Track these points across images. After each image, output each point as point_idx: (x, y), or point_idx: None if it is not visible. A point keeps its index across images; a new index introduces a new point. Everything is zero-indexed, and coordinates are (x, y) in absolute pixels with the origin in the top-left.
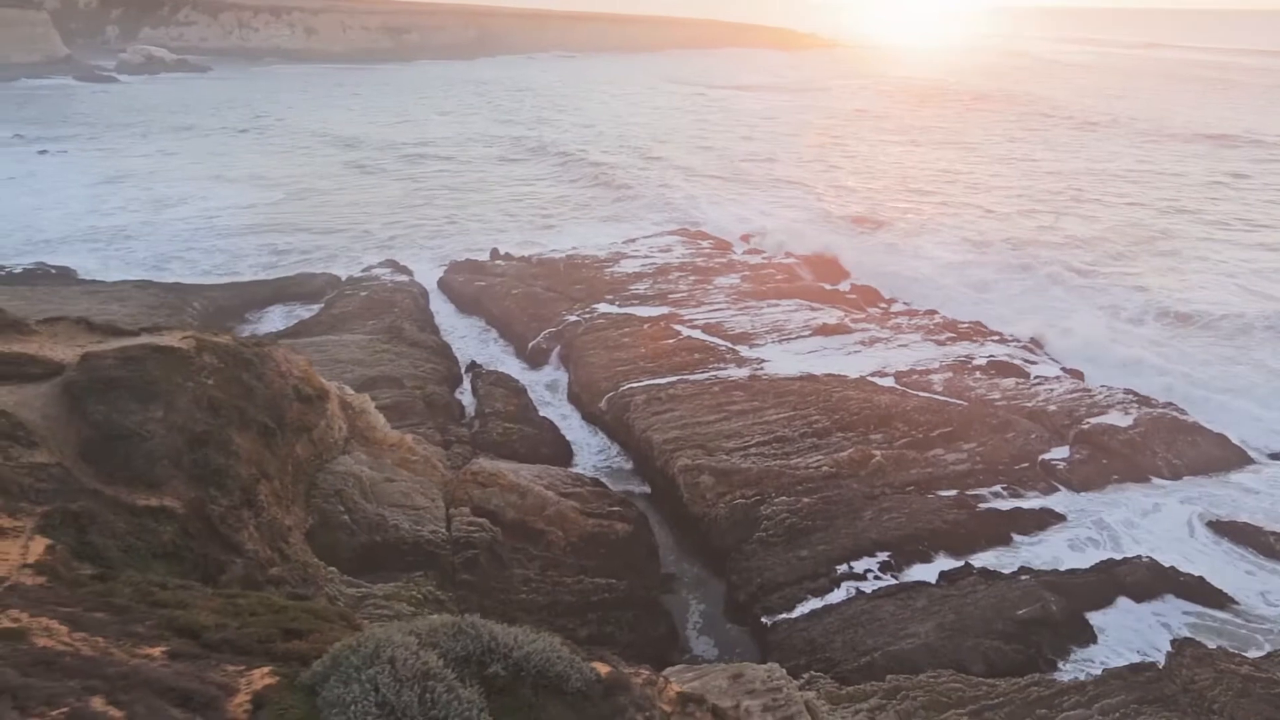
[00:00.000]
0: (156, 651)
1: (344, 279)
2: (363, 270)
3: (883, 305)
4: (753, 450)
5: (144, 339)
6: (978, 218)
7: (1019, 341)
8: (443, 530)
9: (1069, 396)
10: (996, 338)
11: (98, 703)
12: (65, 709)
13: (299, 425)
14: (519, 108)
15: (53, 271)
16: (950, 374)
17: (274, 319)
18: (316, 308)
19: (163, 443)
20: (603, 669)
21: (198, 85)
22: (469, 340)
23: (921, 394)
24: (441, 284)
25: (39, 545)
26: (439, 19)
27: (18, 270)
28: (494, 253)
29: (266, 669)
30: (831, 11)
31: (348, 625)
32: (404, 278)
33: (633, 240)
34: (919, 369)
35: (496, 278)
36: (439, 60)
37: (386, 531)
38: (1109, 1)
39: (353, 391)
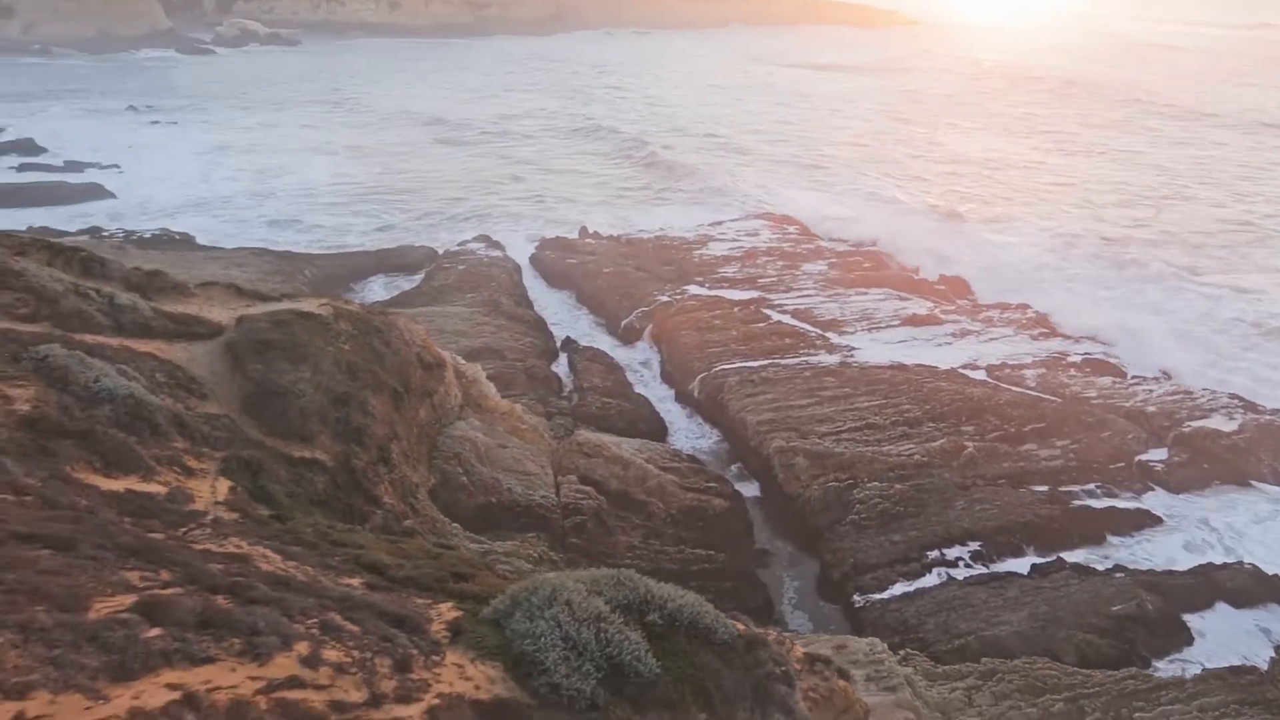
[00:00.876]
0: (356, 582)
1: (441, 252)
2: (458, 244)
3: (971, 298)
4: (845, 435)
5: (287, 304)
6: (1071, 210)
7: (1109, 341)
8: (552, 496)
9: (1169, 398)
10: (1089, 334)
11: (335, 618)
12: (316, 620)
13: (422, 390)
14: (597, 87)
15: (176, 237)
16: (1044, 370)
17: (376, 289)
18: (416, 279)
19: (311, 401)
20: (739, 626)
21: (289, 58)
22: (560, 316)
23: (1014, 388)
24: (533, 260)
25: (223, 486)
26: None
27: (147, 235)
28: (583, 231)
29: (449, 604)
30: None
31: (492, 574)
32: (498, 253)
33: (719, 223)
34: (1011, 363)
35: (587, 256)
36: (517, 35)
37: (501, 494)
38: None
39: (463, 361)
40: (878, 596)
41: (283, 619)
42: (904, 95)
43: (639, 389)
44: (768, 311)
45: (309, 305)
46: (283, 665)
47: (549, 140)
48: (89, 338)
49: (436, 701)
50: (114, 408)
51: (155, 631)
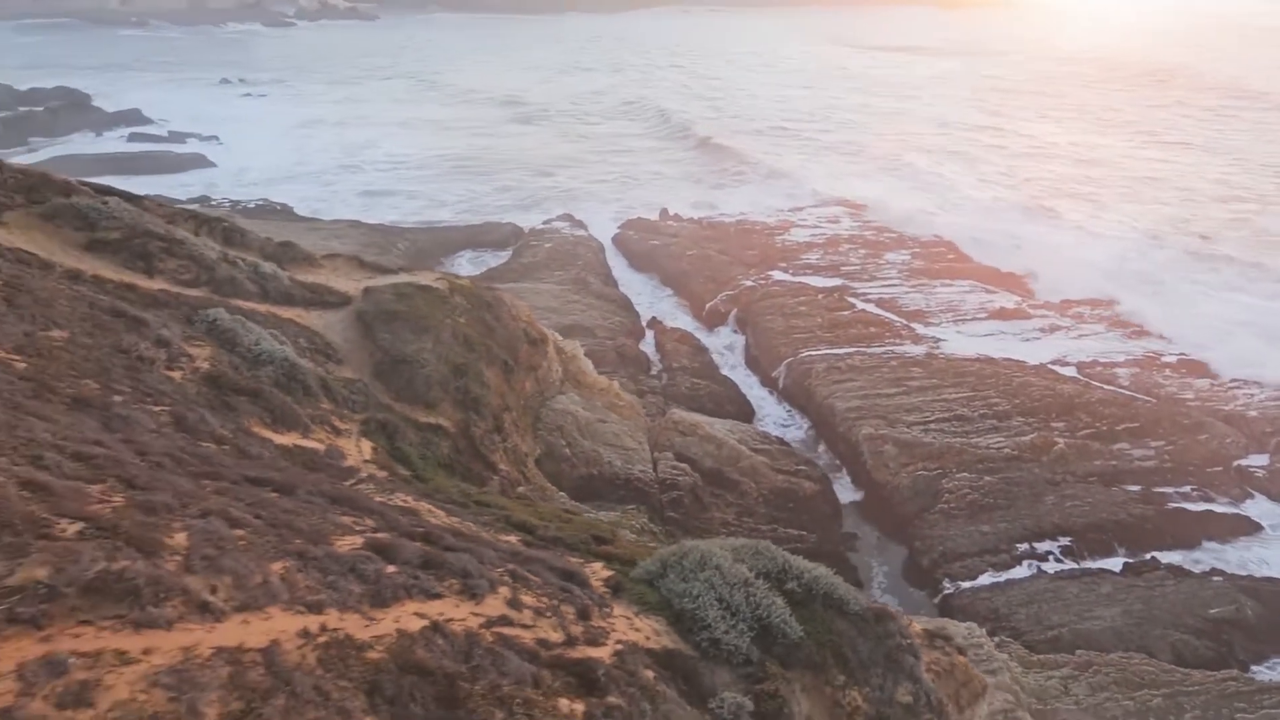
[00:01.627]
0: (514, 539)
1: (526, 230)
2: (543, 223)
3: (1057, 293)
4: (933, 425)
5: (404, 277)
6: (1165, 206)
7: (1204, 343)
8: (650, 470)
9: (1271, 403)
10: (1182, 335)
11: (517, 569)
12: (504, 569)
13: (528, 364)
14: (669, 67)
15: (277, 207)
16: (1137, 369)
17: (463, 264)
18: (503, 255)
19: (435, 370)
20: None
21: (366, 33)
22: (643, 296)
23: (1106, 387)
24: (616, 240)
25: (366, 446)
26: None
27: (251, 205)
28: (663, 212)
29: (599, 564)
30: None
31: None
32: (581, 232)
33: (799, 209)
34: (1102, 361)
35: (670, 238)
36: (590, 13)
37: (601, 466)
38: None
39: (561, 337)
40: (967, 584)
41: (483, 566)
42: (988, 81)
43: (725, 371)
44: (852, 300)
45: (425, 278)
46: (493, 605)
47: (623, 122)
48: (242, 303)
49: (619, 647)
50: (273, 369)
51: (393, 569)
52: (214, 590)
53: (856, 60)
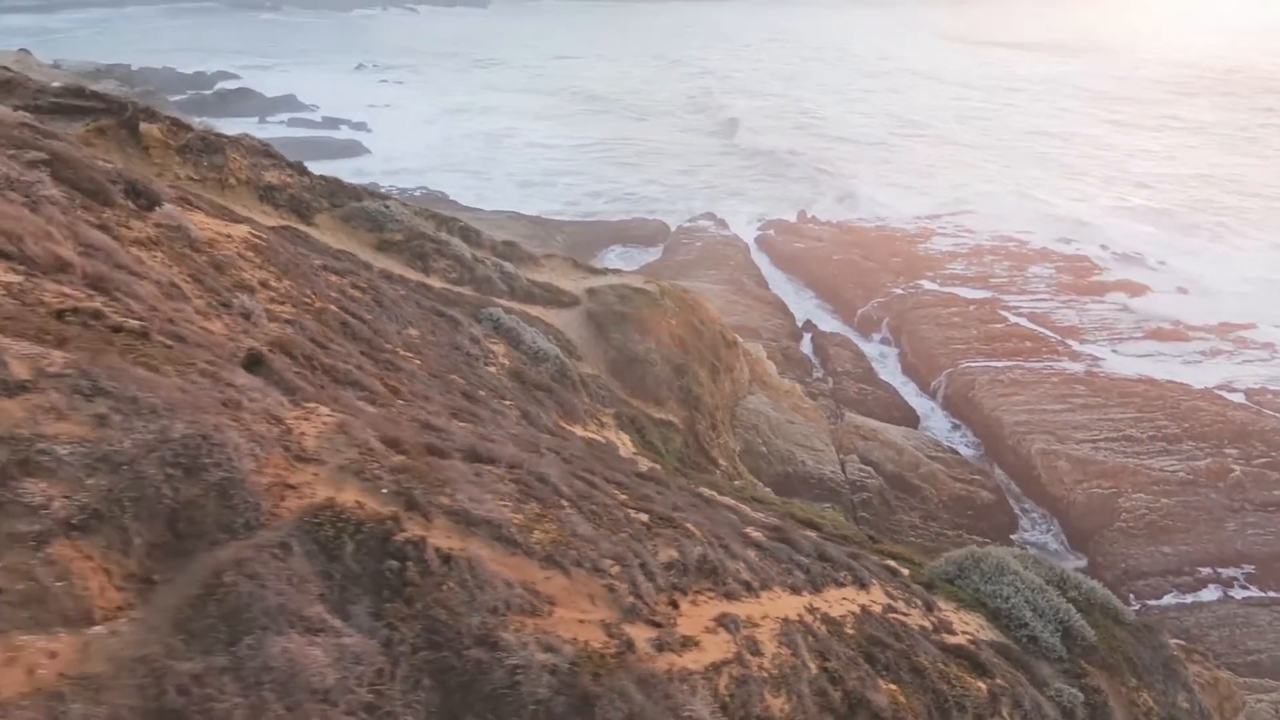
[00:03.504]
0: (813, 534)
1: (673, 228)
2: (689, 220)
3: (1215, 316)
4: (1102, 444)
5: (613, 279)
6: None
7: None
8: (839, 472)
9: None
10: None
11: (858, 564)
12: (846, 571)
13: (726, 365)
14: (779, 63)
15: (439, 196)
16: None
17: (613, 259)
18: (652, 251)
19: (661, 370)
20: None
21: (483, 19)
22: (789, 298)
23: (1278, 415)
24: (760, 241)
25: (625, 438)
26: None
27: (417, 194)
28: (801, 215)
29: (890, 560)
30: None
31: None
32: (727, 232)
33: (935, 216)
34: (1272, 388)
35: (814, 241)
36: (695, 1)
37: (795, 465)
38: None
39: (741, 340)
40: (1153, 602)
41: (852, 561)
42: (1109, 82)
43: (883, 377)
44: (1004, 313)
45: (636, 280)
46: (878, 594)
47: (751, 119)
48: (499, 301)
49: (968, 637)
50: (549, 365)
51: (804, 559)
52: (741, 572)
53: (972, 58)
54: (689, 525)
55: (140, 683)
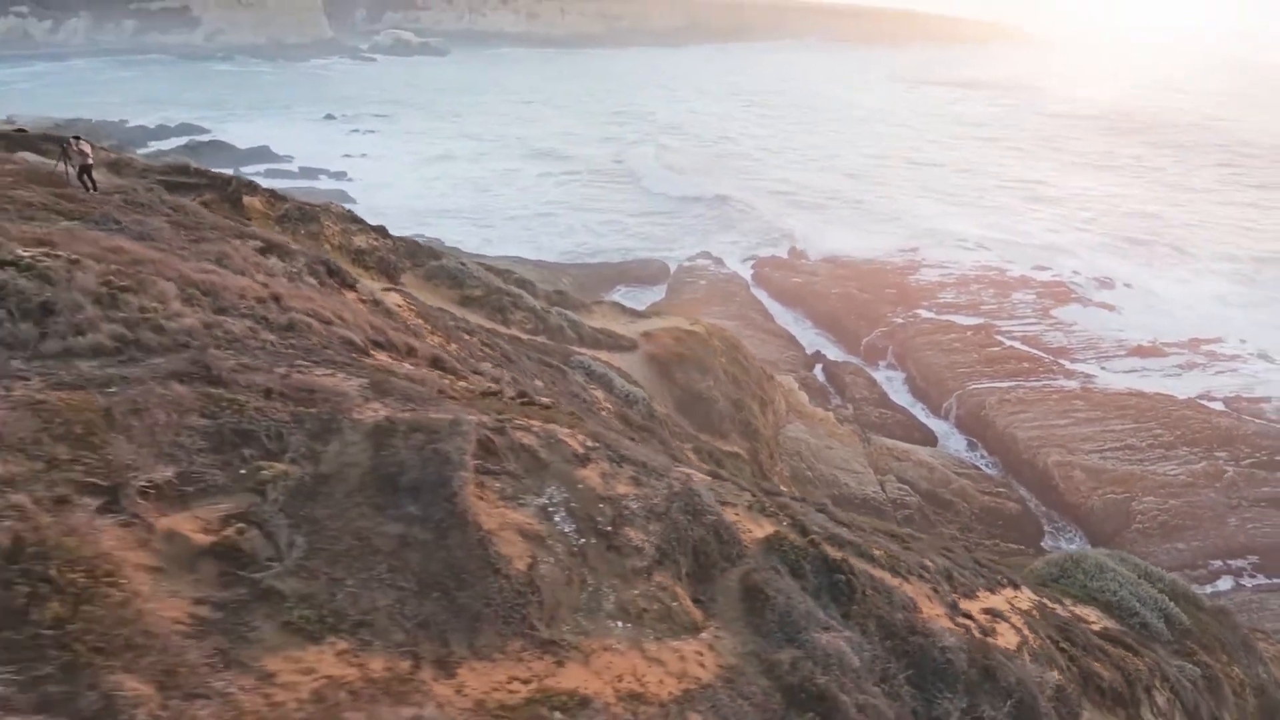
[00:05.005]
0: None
1: (673, 267)
2: (688, 260)
3: (1183, 333)
4: (1109, 454)
5: (659, 322)
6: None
7: None
8: (880, 491)
9: None
10: None
11: (991, 567)
12: (1001, 575)
13: (768, 398)
14: (737, 106)
15: (435, 243)
16: (1279, 403)
17: (620, 298)
18: (655, 289)
19: (724, 405)
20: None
21: (442, 68)
22: (792, 330)
23: (1257, 420)
24: (757, 278)
25: (704, 468)
26: (648, 5)
27: (421, 241)
28: (793, 251)
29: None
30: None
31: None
32: (726, 270)
33: (915, 249)
34: (1247, 396)
35: (811, 276)
36: (649, 47)
37: (840, 487)
38: None
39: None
40: None
41: (993, 569)
42: (1041, 120)
43: (896, 401)
44: (999, 337)
45: (682, 322)
46: (1028, 594)
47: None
48: (572, 349)
49: (1101, 626)
50: (640, 407)
51: (976, 567)
52: (964, 578)
53: (914, 98)
54: (929, 553)
55: (759, 669)
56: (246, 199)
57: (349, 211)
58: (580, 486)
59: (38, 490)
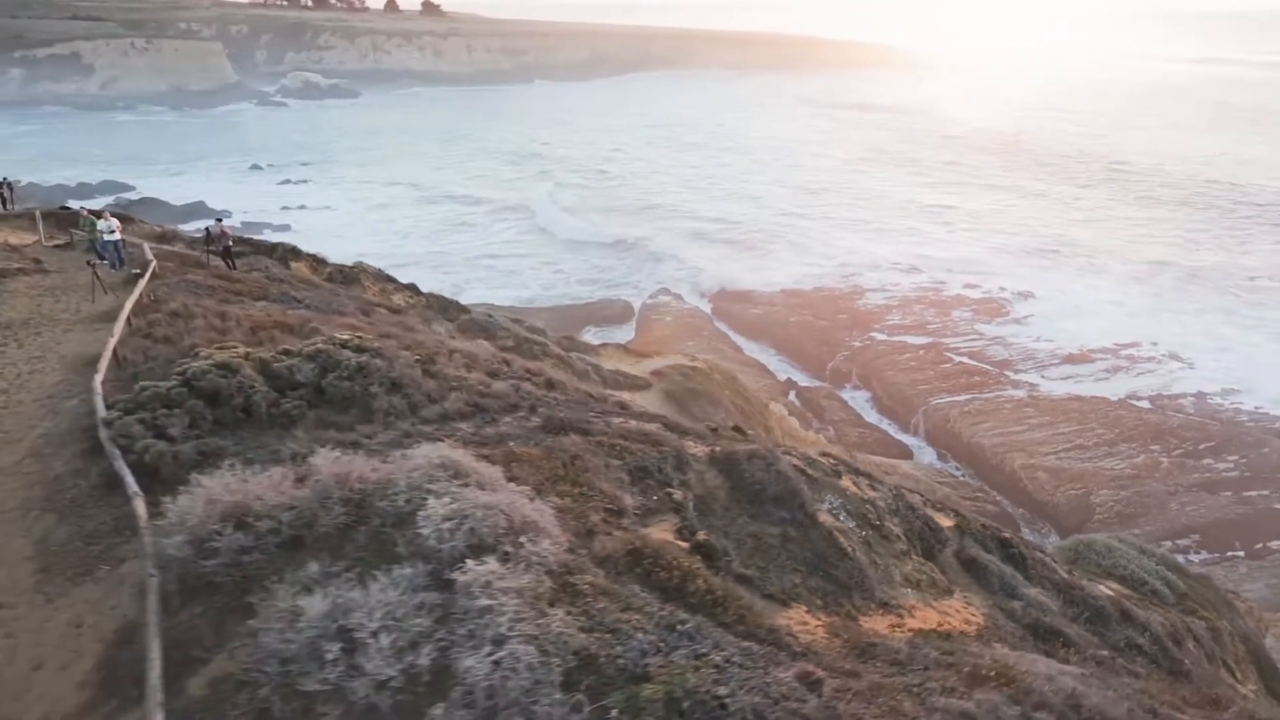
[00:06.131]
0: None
1: (637, 306)
2: (650, 298)
3: (1108, 337)
4: (1063, 454)
5: (660, 361)
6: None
7: (1238, 369)
8: None
9: None
10: (1214, 364)
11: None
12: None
13: (767, 426)
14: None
15: None
16: (1194, 398)
17: (590, 337)
18: (623, 328)
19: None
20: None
21: (356, 111)
22: (761, 359)
23: (1178, 415)
24: (717, 311)
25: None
26: (553, 40)
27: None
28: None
29: None
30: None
31: None
32: (686, 305)
33: (855, 274)
34: (1166, 394)
35: (768, 307)
36: (556, 81)
37: None
38: None
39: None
40: None
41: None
42: (936, 144)
43: (868, 420)
44: (949, 354)
45: (683, 360)
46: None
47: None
48: (595, 390)
49: (1111, 593)
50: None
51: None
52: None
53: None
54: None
55: (1004, 615)
56: (294, 263)
57: (381, 270)
58: (849, 493)
59: (592, 516)
